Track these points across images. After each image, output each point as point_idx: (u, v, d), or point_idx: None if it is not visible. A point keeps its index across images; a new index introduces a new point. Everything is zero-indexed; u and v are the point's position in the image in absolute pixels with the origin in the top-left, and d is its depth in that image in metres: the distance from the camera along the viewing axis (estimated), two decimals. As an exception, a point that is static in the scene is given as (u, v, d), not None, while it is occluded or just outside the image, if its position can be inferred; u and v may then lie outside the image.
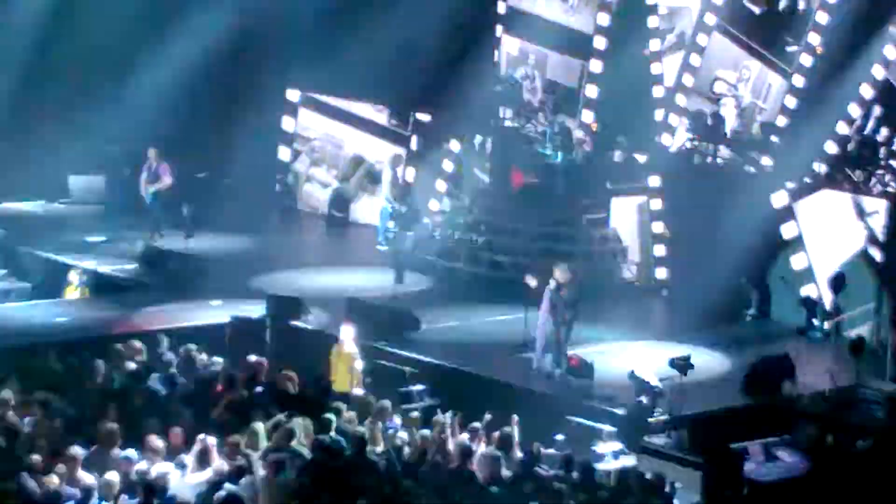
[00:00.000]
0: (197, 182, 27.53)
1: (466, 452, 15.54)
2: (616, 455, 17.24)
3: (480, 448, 15.91)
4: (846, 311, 22.25)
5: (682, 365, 18.27)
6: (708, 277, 22.41)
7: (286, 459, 14.77)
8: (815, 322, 22.36)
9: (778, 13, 25.92)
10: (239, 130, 27.49)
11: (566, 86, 27.28)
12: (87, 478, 14.18)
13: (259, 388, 17.31)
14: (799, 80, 25.41)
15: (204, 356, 18.23)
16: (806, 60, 25.34)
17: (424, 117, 28.38)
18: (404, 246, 24.89)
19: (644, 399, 18.07)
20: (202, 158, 27.89)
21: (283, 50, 27.89)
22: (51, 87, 27.54)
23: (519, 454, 16.02)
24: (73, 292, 23.24)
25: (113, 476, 14.12)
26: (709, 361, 20.14)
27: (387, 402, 17.20)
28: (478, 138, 27.40)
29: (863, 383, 19.55)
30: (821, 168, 24.44)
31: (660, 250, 24.85)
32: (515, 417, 16.63)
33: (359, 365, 18.93)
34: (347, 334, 19.23)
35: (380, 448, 15.98)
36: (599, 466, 16.60)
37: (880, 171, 23.99)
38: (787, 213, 23.33)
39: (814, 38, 25.19)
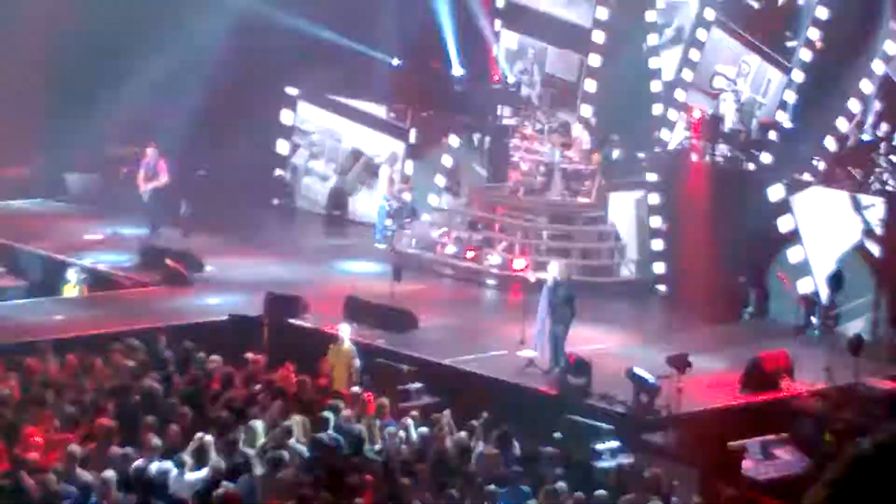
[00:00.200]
0: (195, 179, 27.47)
1: (465, 450, 15.51)
2: (615, 453, 17.22)
3: (478, 446, 15.89)
4: (842, 305, 22.21)
5: (681, 363, 18.24)
6: (707, 275, 22.35)
7: (284, 457, 14.75)
8: (814, 320, 22.32)
9: (777, 8, 25.90)
10: (238, 129, 27.44)
11: (565, 79, 27.28)
12: (84, 475, 14.16)
13: (257, 386, 17.30)
14: (798, 76, 25.37)
15: (202, 354, 18.21)
16: (805, 55, 25.29)
17: (423, 112, 28.33)
18: (402, 244, 24.77)
19: (643, 397, 18.04)
20: (201, 156, 27.82)
21: (283, 50, 27.82)
22: (50, 86, 27.51)
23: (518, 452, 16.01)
24: (71, 290, 23.22)
25: (110, 474, 14.10)
26: (707, 359, 20.10)
27: (385, 400, 17.18)
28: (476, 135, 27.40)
29: (861, 381, 19.51)
30: (820, 165, 24.40)
31: (657, 245, 24.81)
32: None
33: (356, 363, 18.91)
34: (345, 332, 19.21)
35: (378, 446, 15.96)
36: (598, 465, 16.56)
37: (879, 169, 23.92)
38: (784, 207, 23.29)
39: (813, 34, 25.14)
